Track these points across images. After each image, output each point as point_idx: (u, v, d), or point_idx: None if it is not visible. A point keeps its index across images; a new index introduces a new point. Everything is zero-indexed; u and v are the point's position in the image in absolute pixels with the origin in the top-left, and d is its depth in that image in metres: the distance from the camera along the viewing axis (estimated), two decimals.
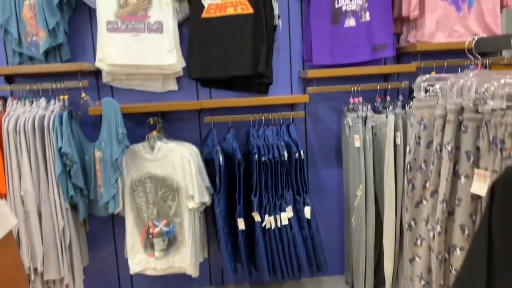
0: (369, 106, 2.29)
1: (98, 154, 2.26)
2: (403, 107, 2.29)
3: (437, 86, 1.29)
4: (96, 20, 2.36)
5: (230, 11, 2.34)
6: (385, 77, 2.59)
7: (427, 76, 1.32)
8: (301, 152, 2.24)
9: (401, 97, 2.39)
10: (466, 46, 1.44)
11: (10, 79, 2.47)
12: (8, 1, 2.26)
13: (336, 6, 2.38)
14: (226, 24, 2.34)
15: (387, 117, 2.27)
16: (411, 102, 2.27)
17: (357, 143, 2.28)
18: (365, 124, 2.29)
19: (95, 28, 2.45)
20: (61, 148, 2.13)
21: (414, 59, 2.46)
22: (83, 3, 2.39)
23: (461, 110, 1.24)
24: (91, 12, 2.47)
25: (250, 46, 2.34)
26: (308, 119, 2.63)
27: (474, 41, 1.38)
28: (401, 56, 2.53)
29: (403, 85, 2.41)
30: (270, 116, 2.39)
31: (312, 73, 2.31)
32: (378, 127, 2.32)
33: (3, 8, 2.27)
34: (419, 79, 1.33)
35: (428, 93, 1.31)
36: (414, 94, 1.34)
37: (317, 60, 2.43)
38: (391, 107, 2.29)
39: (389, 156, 2.26)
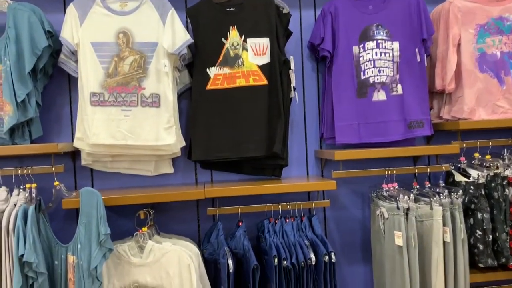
0: (411, 196, 1.90)
1: (71, 259, 1.75)
2: (449, 195, 1.91)
3: None
4: (77, 91, 1.95)
5: (240, 82, 1.98)
6: (414, 159, 2.23)
7: None
8: (332, 254, 1.80)
9: (441, 183, 2.02)
10: None
11: None
12: None
13: (362, 77, 2.06)
14: (235, 97, 1.97)
15: (431, 208, 1.88)
16: (459, 191, 1.93)
17: (399, 241, 1.85)
18: (406, 217, 1.88)
19: (74, 99, 2.04)
20: (22, 255, 1.62)
21: (451, 137, 2.13)
22: (62, 70, 1.99)
23: None
24: (71, 81, 2.07)
25: (264, 122, 1.97)
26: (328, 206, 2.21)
27: None
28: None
29: (443, 168, 2.05)
30: (288, 206, 1.96)
31: (339, 155, 1.92)
32: (418, 219, 1.92)
33: None
34: None
35: None
36: None
37: (341, 138, 2.06)
38: (436, 196, 1.90)
39: (438, 257, 1.84)
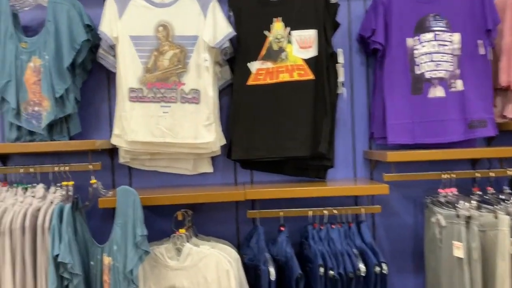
0: (474, 202, 1.71)
1: (107, 260, 1.69)
2: None
3: None
4: (115, 86, 1.89)
5: (284, 77, 1.86)
6: (473, 162, 2.03)
7: None
8: (383, 265, 1.64)
9: (507, 189, 1.82)
10: None
11: (5, 158, 1.97)
12: (8, 62, 1.81)
13: (417, 72, 1.89)
14: (279, 93, 1.85)
15: (496, 216, 1.69)
16: None
17: (459, 253, 1.68)
18: (467, 226, 1.70)
19: (113, 96, 1.99)
20: (57, 256, 1.56)
21: None
22: (101, 65, 1.94)
23: None
24: (110, 76, 2.01)
25: (309, 120, 1.84)
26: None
27: None
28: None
29: (509, 172, 1.84)
30: (335, 211, 1.82)
31: (393, 157, 1.76)
32: (481, 229, 1.72)
33: (1, 71, 1.81)
34: None
35: None
36: None
37: (393, 138, 1.90)
38: (501, 203, 1.70)
39: (504, 272, 1.65)
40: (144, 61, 1.82)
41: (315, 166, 1.93)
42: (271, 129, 1.85)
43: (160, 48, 1.81)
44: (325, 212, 1.81)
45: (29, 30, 1.95)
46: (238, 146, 1.88)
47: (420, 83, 1.89)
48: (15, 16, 1.87)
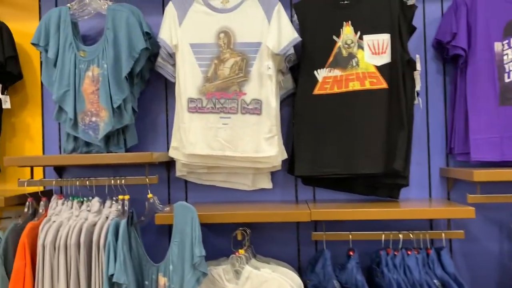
0: None
1: (163, 281, 1.59)
2: None
3: None
4: (174, 97, 1.81)
5: (354, 85, 1.70)
6: None
7: None
8: None
9: None
10: None
11: (61, 170, 1.93)
12: (67, 72, 1.77)
13: (507, 80, 1.68)
14: (348, 103, 1.70)
15: None
16: None
17: None
18: None
19: (171, 107, 1.91)
20: (112, 275, 1.47)
21: None
22: (159, 75, 1.87)
23: None
24: (168, 86, 1.94)
25: (382, 133, 1.66)
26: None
27: None
28: None
29: None
30: (411, 236, 1.63)
31: (480, 176, 1.55)
32: None
33: (60, 81, 1.77)
34: None
35: None
36: None
37: (477, 155, 1.69)
38: None
39: None
40: (204, 70, 1.72)
41: (387, 184, 1.75)
42: (340, 143, 1.69)
43: (221, 56, 1.71)
44: (400, 236, 1.62)
45: (88, 39, 1.92)
46: (302, 161, 1.72)
47: (510, 93, 1.67)
48: (74, 25, 1.84)
